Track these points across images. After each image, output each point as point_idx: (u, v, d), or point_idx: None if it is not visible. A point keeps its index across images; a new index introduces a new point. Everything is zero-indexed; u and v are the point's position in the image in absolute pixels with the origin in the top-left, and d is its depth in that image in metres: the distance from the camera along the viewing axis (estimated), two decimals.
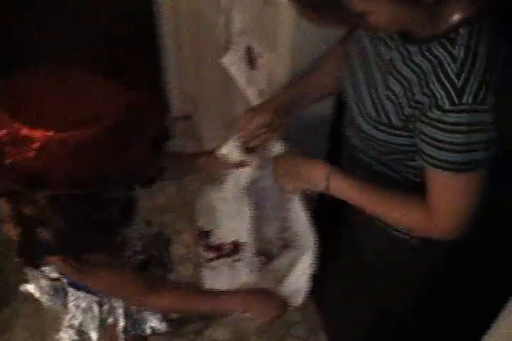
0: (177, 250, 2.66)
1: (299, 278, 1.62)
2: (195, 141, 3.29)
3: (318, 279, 1.59)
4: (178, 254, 2.64)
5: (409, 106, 1.30)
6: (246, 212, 1.73)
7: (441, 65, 1.22)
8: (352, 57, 1.49)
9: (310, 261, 1.59)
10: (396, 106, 1.33)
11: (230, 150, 1.68)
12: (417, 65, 1.28)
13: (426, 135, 1.26)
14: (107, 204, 1.25)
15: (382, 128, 1.39)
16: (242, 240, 1.76)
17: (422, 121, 1.26)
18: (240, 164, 1.69)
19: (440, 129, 1.23)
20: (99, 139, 1.11)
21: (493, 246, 1.84)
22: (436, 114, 1.22)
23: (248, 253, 1.73)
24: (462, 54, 1.20)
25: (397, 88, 1.33)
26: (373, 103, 1.40)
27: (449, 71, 1.20)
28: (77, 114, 1.14)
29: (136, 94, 1.23)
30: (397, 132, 1.36)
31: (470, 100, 1.18)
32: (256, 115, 1.64)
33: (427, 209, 1.36)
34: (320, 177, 1.48)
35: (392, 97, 1.34)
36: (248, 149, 1.67)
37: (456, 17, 1.22)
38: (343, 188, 1.47)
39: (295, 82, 1.74)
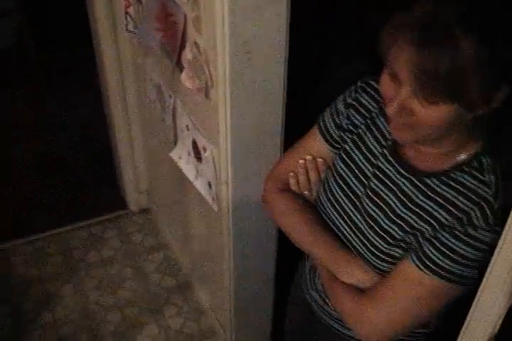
0: None
1: None
2: (153, 234, 3.30)
3: None
4: None
5: (428, 225, 1.28)
6: None
7: (470, 189, 1.23)
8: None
9: None
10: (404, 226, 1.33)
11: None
12: (439, 194, 1.27)
13: (442, 243, 1.24)
14: None
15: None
16: None
17: (446, 231, 1.24)
18: None
19: (464, 243, 1.21)
20: None
21: None
22: (468, 229, 1.21)
23: None
24: (493, 180, 1.22)
25: (411, 218, 1.31)
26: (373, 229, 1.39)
27: (485, 195, 1.21)
28: None
29: None
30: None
31: (498, 222, 1.19)
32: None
33: (365, 295, 1.36)
34: None
35: (405, 227, 1.32)
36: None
37: (473, 148, 1.27)
38: None
39: None
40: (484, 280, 0.98)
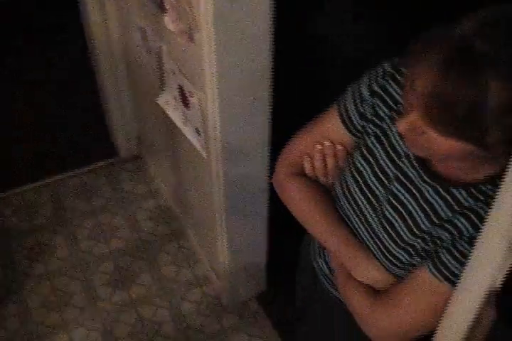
0: None
1: None
2: (144, 182, 3.25)
3: None
4: None
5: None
6: None
7: None
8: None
9: None
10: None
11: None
12: (466, 208, 1.18)
13: (461, 252, 1.17)
14: None
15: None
16: None
17: (465, 241, 1.17)
18: None
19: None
20: None
21: None
22: None
23: None
24: None
25: (434, 230, 1.23)
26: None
27: None
28: None
29: None
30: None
31: None
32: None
33: (379, 300, 1.32)
34: None
35: (427, 238, 1.25)
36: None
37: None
38: None
39: None
40: (485, 227, 0.92)
